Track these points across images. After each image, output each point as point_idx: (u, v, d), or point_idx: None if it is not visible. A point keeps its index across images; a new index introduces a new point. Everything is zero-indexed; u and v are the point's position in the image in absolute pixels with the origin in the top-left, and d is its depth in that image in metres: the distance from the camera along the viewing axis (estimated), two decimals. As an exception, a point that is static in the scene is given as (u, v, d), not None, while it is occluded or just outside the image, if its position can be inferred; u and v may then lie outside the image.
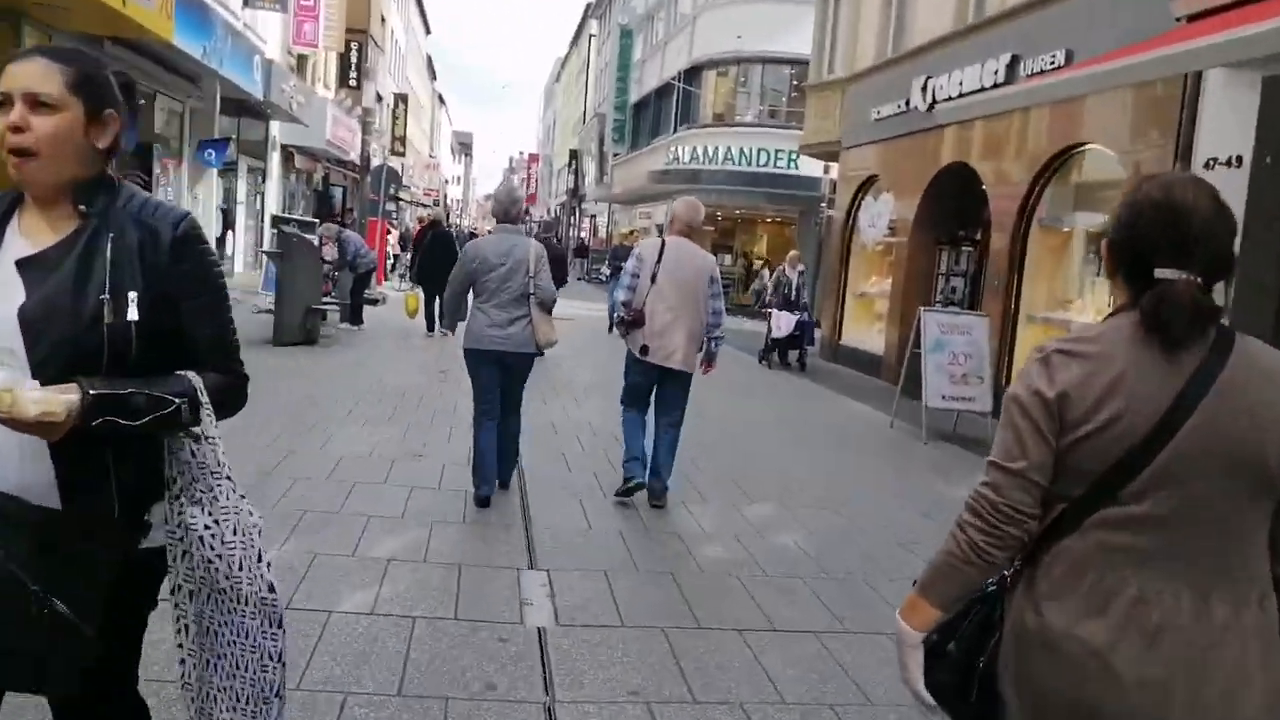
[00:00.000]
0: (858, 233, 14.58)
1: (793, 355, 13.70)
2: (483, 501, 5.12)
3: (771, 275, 14.06)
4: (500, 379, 5.20)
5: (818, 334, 15.81)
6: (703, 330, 5.42)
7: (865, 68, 14.15)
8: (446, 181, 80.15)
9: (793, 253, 14.05)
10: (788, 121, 25.75)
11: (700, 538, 5.04)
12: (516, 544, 4.66)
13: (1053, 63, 9.62)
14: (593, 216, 48.37)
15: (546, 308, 5.20)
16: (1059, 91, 8.12)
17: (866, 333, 14.49)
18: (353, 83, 28.55)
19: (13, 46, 9.94)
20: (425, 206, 49.21)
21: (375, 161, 20.58)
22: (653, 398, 5.53)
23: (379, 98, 38.00)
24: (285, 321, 10.58)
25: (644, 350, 5.30)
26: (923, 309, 9.16)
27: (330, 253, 12.86)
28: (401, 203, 32.53)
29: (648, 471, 5.45)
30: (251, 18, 18.63)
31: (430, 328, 13.19)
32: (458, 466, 5.96)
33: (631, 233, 14.80)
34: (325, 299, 11.89)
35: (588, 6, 53.23)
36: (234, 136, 17.77)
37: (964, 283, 12.26)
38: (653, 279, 5.27)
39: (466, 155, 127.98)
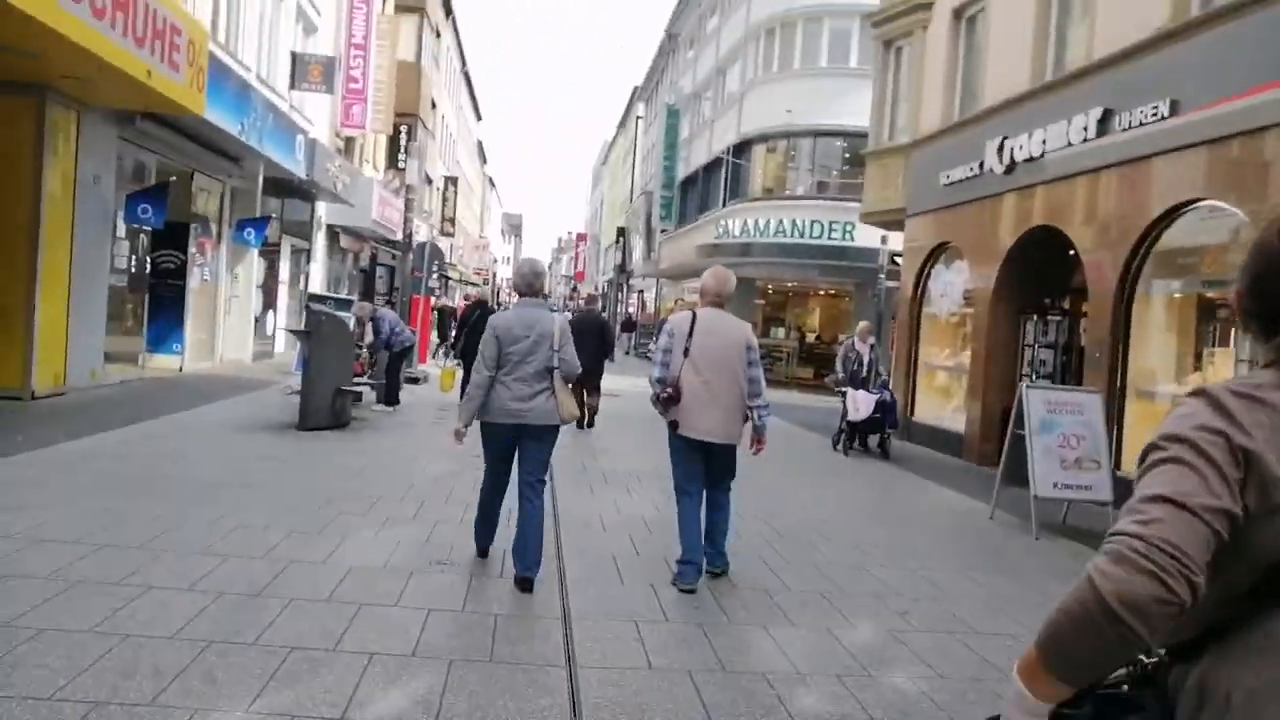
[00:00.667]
0: (928, 303, 13.55)
1: (873, 440, 11.89)
2: (482, 552, 5.36)
3: (840, 351, 12.43)
4: (518, 451, 5.07)
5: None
6: (742, 402, 5.21)
7: (930, 132, 13.31)
8: (495, 261, 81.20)
9: (862, 324, 12.54)
10: (840, 194, 25.05)
11: (793, 680, 3.94)
12: (557, 694, 3.61)
13: (1155, 114, 8.64)
14: (640, 292, 47.93)
15: (569, 380, 5.11)
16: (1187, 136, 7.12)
17: (942, 409, 13.33)
18: (401, 164, 28.62)
19: (37, 123, 9.53)
20: (474, 285, 49.47)
21: (419, 238, 20.14)
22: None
23: (429, 180, 38.29)
24: (312, 404, 9.79)
25: (676, 426, 5.16)
26: (1025, 385, 8.02)
27: (367, 333, 12.16)
28: (450, 281, 32.26)
29: (706, 548, 5.29)
30: (299, 99, 18.53)
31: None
32: (488, 579, 4.96)
33: (676, 302, 13.90)
34: (358, 379, 11.12)
35: (635, 90, 53.86)
36: (274, 216, 17.44)
37: (1055, 354, 11.12)
38: (685, 353, 5.13)
39: (516, 236, 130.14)
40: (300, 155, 16.36)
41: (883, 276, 23.15)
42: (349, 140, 23.41)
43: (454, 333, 21.14)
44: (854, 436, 11.72)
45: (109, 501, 5.84)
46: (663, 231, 37.37)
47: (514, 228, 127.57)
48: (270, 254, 18.33)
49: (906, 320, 14.03)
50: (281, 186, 17.35)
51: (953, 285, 12.56)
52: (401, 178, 27.63)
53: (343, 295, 18.41)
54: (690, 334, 5.13)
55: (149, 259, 12.79)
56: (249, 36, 15.65)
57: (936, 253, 13.30)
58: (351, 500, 6.61)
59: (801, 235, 24.28)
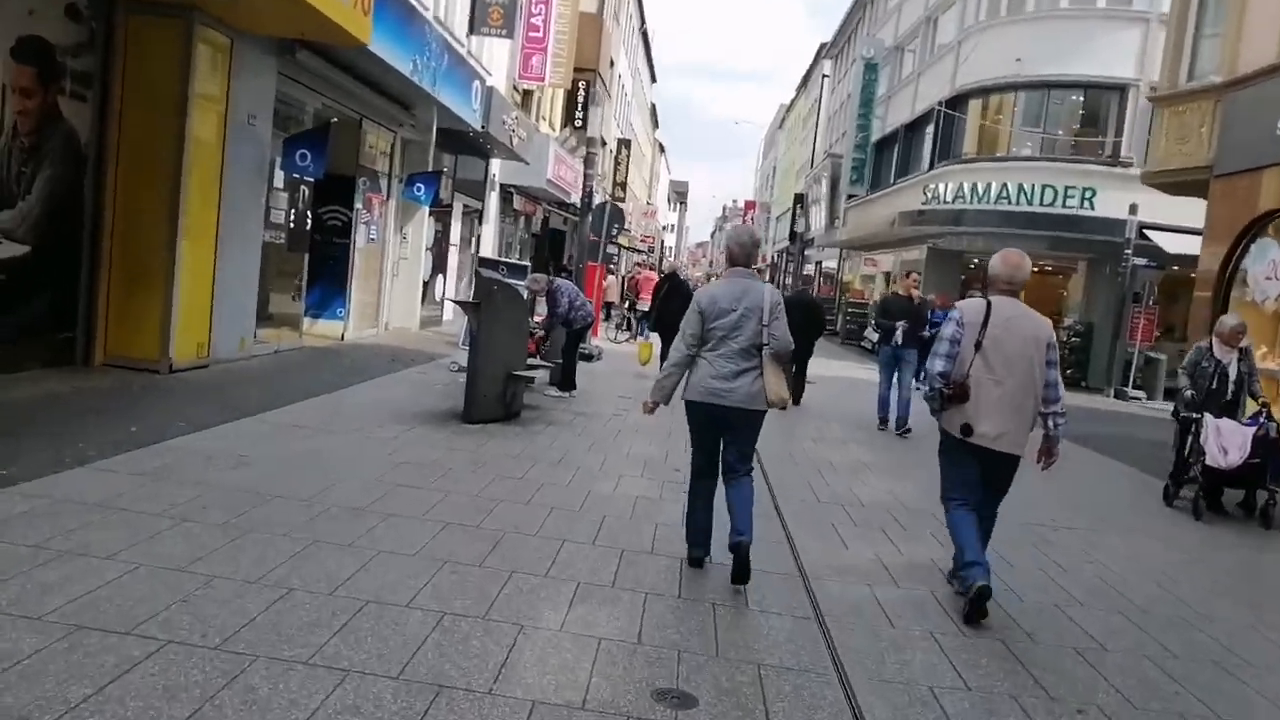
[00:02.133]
0: (1242, 288, 10.49)
1: (1227, 492, 7.82)
2: (696, 562, 4.74)
3: (1189, 356, 8.17)
4: (724, 438, 4.68)
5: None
6: (1036, 407, 4.59)
7: (1262, 67, 10.15)
8: (663, 229, 79.79)
9: (1230, 321, 7.92)
10: (1076, 154, 21.49)
11: None
12: None
13: None
14: (818, 263, 44.96)
15: (781, 360, 4.64)
16: None
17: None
18: (578, 122, 27.09)
19: (184, 46, 8.16)
20: (640, 252, 48.02)
21: (597, 199, 18.40)
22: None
23: (603, 142, 36.85)
24: (480, 391, 8.09)
25: (966, 430, 4.52)
26: None
27: (540, 307, 10.44)
28: (620, 248, 30.70)
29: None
30: (476, 45, 17.06)
31: None
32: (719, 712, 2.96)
33: (908, 274, 11.32)
34: (532, 361, 9.38)
35: (822, 46, 50.46)
36: (447, 171, 16.07)
37: None
38: (977, 346, 4.52)
39: (681, 204, 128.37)
40: (477, 104, 14.85)
41: (1129, 252, 19.63)
42: (526, 94, 21.95)
43: (644, 305, 19.57)
44: (1212, 491, 7.61)
45: (192, 546, 4.17)
46: (850, 197, 34.35)
47: (680, 195, 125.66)
48: (441, 214, 17.04)
49: (1206, 309, 10.98)
50: (455, 140, 15.96)
51: (1293, 267, 9.53)
52: (579, 136, 26.10)
53: (515, 260, 16.87)
54: (984, 324, 4.50)
55: (311, 214, 11.50)
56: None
57: (1261, 223, 10.20)
58: (528, 548, 4.74)
59: (1029, 201, 20.96)
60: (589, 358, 14.89)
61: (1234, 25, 10.86)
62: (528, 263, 14.45)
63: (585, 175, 14.62)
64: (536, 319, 10.78)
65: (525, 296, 9.78)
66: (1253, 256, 10.18)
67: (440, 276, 17.33)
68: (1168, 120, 11.67)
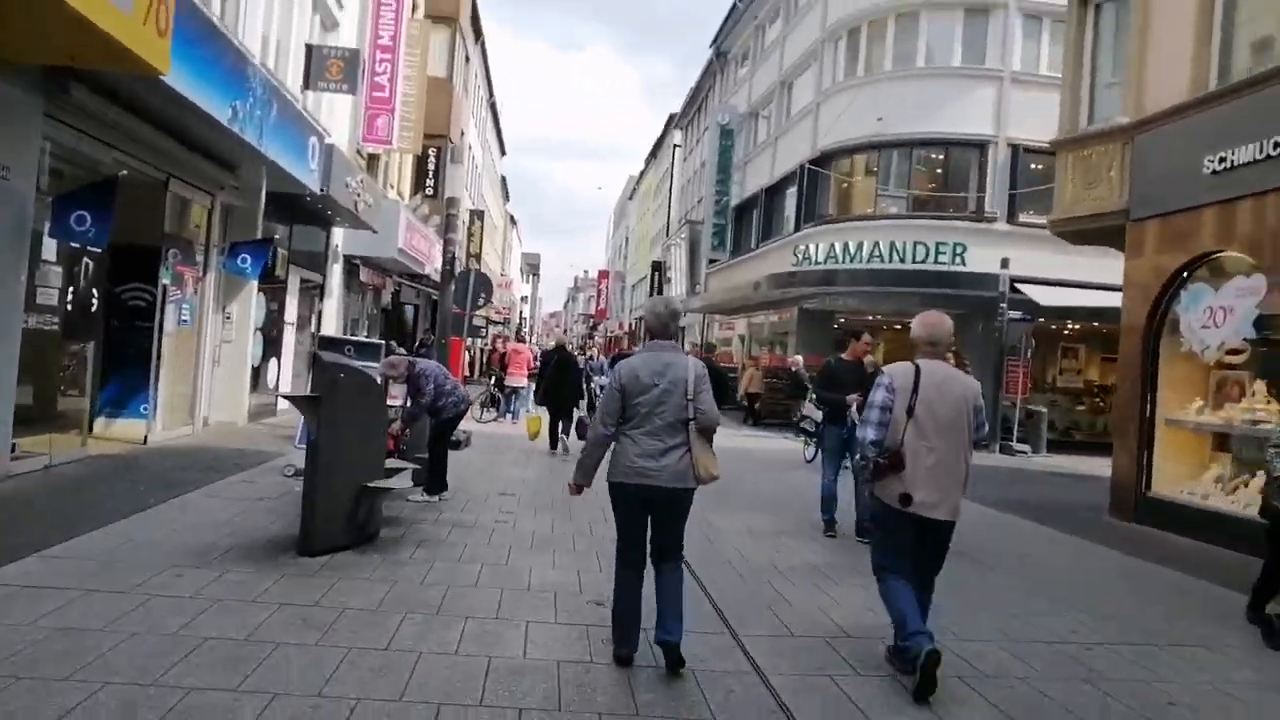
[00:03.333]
0: (1175, 337, 9.79)
1: None
2: (623, 660, 4.34)
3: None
4: (652, 521, 4.40)
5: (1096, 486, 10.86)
6: (969, 470, 4.54)
7: (1174, 105, 9.63)
8: (517, 301, 78.16)
9: None
10: (943, 211, 21.41)
11: None
12: None
13: None
14: (682, 328, 44.29)
15: (708, 435, 4.38)
16: None
17: (1196, 480, 9.53)
18: (429, 190, 25.27)
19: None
20: (497, 324, 46.13)
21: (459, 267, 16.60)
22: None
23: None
24: (322, 511, 6.10)
25: (905, 500, 4.37)
26: None
27: (392, 389, 8.56)
28: (487, 320, 28.76)
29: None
30: (314, 103, 15.14)
31: (554, 446, 13.38)
32: None
33: (858, 335, 9.46)
34: (391, 461, 7.44)
35: (671, 117, 50.77)
36: (279, 239, 13.93)
37: None
38: (909, 412, 4.38)
39: (534, 275, 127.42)
40: (315, 164, 12.87)
41: (1004, 306, 19.47)
42: (371, 158, 20.04)
43: (515, 380, 17.73)
44: None
45: None
46: (711, 262, 33.84)
47: (532, 267, 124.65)
48: (275, 289, 14.79)
49: (1134, 361, 10.24)
50: (290, 205, 13.88)
51: (1232, 312, 8.81)
52: (432, 205, 24.28)
53: (366, 338, 14.78)
54: (915, 389, 4.40)
55: (102, 293, 9.22)
56: (253, 17, 12.23)
57: (1191, 268, 9.56)
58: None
59: (902, 259, 20.58)
60: (456, 444, 12.92)
61: (1137, 61, 10.39)
62: (382, 340, 12.39)
63: (446, 240, 12.82)
64: (392, 399, 8.85)
65: (379, 383, 7.85)
66: (1184, 303, 9.48)
67: (274, 361, 14.97)
68: (1073, 165, 11.09)
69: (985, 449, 19.28)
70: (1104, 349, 22.97)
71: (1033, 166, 21.07)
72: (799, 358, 19.67)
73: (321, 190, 13.35)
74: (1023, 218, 20.85)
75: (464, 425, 15.17)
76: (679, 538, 4.47)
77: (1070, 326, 22.05)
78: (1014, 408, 19.77)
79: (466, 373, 21.37)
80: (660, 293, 44.50)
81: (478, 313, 14.79)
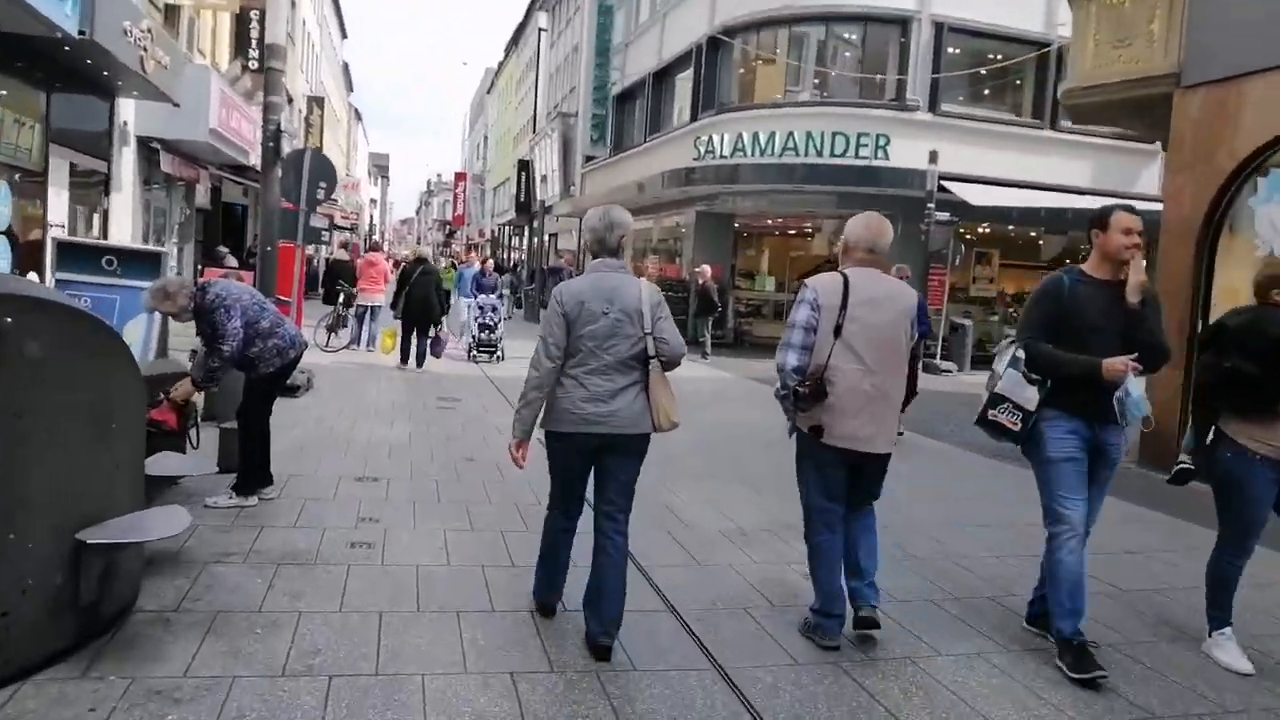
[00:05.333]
0: (1242, 239, 7.68)
1: None
2: (548, 610, 4.00)
3: None
4: (597, 472, 3.79)
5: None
6: (903, 392, 4.02)
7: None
8: (366, 205, 72.15)
9: None
10: (865, 97, 18.96)
11: None
12: None
13: None
14: (553, 236, 40.96)
15: (672, 367, 3.80)
16: None
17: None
18: (253, 62, 20.71)
19: None
20: (344, 229, 41.43)
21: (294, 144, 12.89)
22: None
23: (289, 98, 30.15)
24: (19, 570, 2.99)
25: (818, 431, 3.83)
26: None
27: (175, 324, 5.35)
28: (330, 222, 24.65)
29: (852, 582, 3.96)
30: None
31: (405, 360, 12.81)
32: None
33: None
34: (160, 462, 4.31)
35: (533, 1, 46.07)
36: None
37: None
38: (836, 331, 3.78)
39: (384, 178, 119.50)
40: (65, -6, 8.89)
41: (931, 207, 17.35)
42: (170, 9, 15.61)
43: (371, 299, 14.40)
44: None
45: None
46: (589, 159, 30.59)
47: (381, 168, 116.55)
48: (31, 182, 10.78)
49: (1182, 272, 8.08)
50: (47, 62, 9.88)
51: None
52: (257, 81, 19.84)
53: (147, 246, 11.06)
54: (844, 304, 3.78)
55: None
56: None
57: (1265, 153, 7.35)
58: None
59: (819, 152, 18.07)
60: (294, 391, 9.68)
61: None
62: (167, 248, 8.87)
63: (268, 106, 9.32)
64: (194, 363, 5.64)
65: (144, 326, 4.63)
66: (1264, 193, 7.30)
67: (34, 275, 11.04)
68: (1096, 17, 8.63)
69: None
70: (1017, 255, 21.55)
71: (954, 50, 18.86)
72: (706, 268, 17.03)
73: (82, 33, 9.40)
74: (947, 107, 18.71)
75: (306, 358, 11.85)
76: (628, 492, 3.84)
77: (981, 230, 20.32)
78: (940, 321, 17.95)
79: (305, 294, 17.67)
80: (528, 196, 40.82)
81: (319, 210, 11.28)
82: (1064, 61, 18.96)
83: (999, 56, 19.62)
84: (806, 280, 3.99)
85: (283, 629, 3.70)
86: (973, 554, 5.41)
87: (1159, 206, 18.78)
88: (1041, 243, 21.59)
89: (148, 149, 15.23)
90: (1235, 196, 7.64)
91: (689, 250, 21.78)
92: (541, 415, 3.75)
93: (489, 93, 72.15)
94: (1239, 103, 7.52)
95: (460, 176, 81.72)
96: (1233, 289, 7.89)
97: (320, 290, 19.59)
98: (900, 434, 7.89)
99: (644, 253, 27.62)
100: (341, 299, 16.10)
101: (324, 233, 11.51)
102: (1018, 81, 20.01)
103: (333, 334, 14.99)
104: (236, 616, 3.79)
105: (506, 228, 54.61)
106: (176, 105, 13.34)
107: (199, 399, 5.72)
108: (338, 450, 7.19)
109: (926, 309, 8.08)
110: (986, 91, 19.99)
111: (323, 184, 10.14)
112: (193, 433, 5.66)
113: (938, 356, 17.76)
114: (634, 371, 3.69)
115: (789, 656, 3.81)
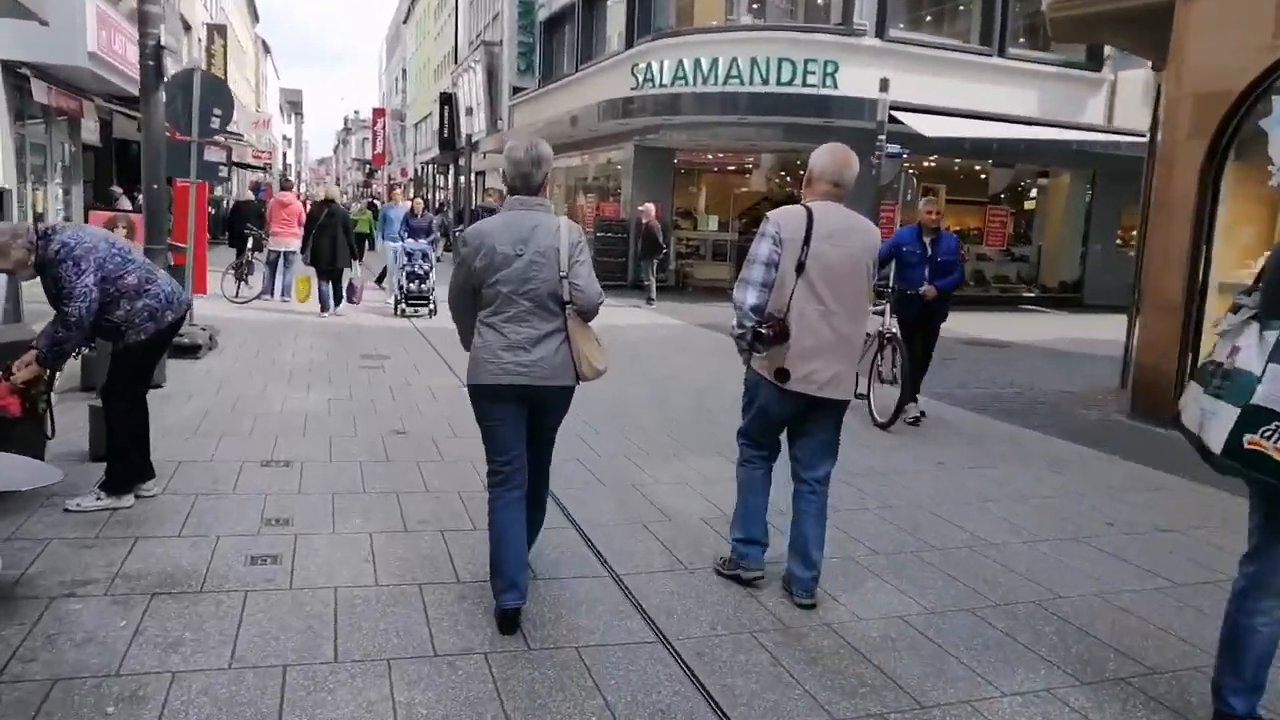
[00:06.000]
0: (1252, 167, 7.00)
1: None
2: (508, 619, 3.33)
3: None
4: (527, 425, 3.49)
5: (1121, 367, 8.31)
6: (864, 332, 3.89)
7: None
8: (278, 143, 68.55)
9: None
10: (811, 20, 17.91)
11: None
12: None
13: None
14: (479, 174, 39.20)
15: (588, 316, 3.50)
16: None
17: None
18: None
19: None
20: (256, 168, 38.99)
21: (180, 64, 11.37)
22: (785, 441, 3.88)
23: (185, 25, 27.73)
24: None
25: (782, 375, 3.59)
26: None
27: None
28: (228, 158, 22.73)
29: (792, 556, 3.75)
30: None
31: (324, 308, 12.17)
32: None
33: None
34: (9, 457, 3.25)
35: (451, -83, 43.34)
36: None
37: None
38: (799, 269, 3.55)
39: (297, 115, 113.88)
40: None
41: (883, 139, 16.53)
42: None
43: (284, 244, 13.08)
44: None
45: None
46: (516, 91, 28.94)
47: (294, 105, 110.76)
48: None
49: (1183, 202, 7.40)
50: None
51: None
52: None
53: None
54: (807, 240, 3.54)
55: None
56: None
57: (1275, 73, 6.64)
58: None
59: (765, 80, 17.01)
60: (194, 351, 8.45)
61: None
62: (31, 189, 7.55)
63: (143, 15, 7.90)
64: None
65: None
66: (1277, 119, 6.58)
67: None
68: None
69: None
70: (962, 190, 20.98)
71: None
72: (650, 206, 15.94)
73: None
74: (894, 32, 17.78)
75: (210, 311, 10.56)
76: (551, 442, 3.67)
77: (926, 164, 19.62)
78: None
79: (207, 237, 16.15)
80: (452, 132, 38.84)
81: (215, 142, 9.80)
82: (1014, -17, 18.36)
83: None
84: (769, 214, 3.76)
85: (146, 705, 2.71)
86: (1002, 540, 4.66)
87: (1105, 137, 18.51)
88: (985, 176, 21.03)
89: (15, 76, 13.44)
90: (1245, 119, 6.91)
91: (628, 188, 20.60)
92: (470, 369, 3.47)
93: (405, 22, 68.71)
94: (1248, 9, 6.76)
95: (379, 113, 78.28)
96: (1237, 222, 7.25)
97: (225, 235, 17.95)
98: (920, 415, 7.16)
99: (577, 190, 26.35)
100: (250, 244, 14.64)
101: (221, 168, 10.07)
102: (962, 6, 19.18)
103: (242, 283, 13.60)
104: (83, 688, 2.78)
105: (430, 166, 52.30)
106: (44, 24, 11.62)
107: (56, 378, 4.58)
108: (241, 426, 6.09)
109: (957, 246, 7.29)
110: (928, 18, 19.15)
111: (217, 111, 8.73)
112: (50, 417, 4.53)
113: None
114: (556, 317, 3.42)
115: (818, 705, 2.97)
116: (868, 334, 6.12)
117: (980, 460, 6.27)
